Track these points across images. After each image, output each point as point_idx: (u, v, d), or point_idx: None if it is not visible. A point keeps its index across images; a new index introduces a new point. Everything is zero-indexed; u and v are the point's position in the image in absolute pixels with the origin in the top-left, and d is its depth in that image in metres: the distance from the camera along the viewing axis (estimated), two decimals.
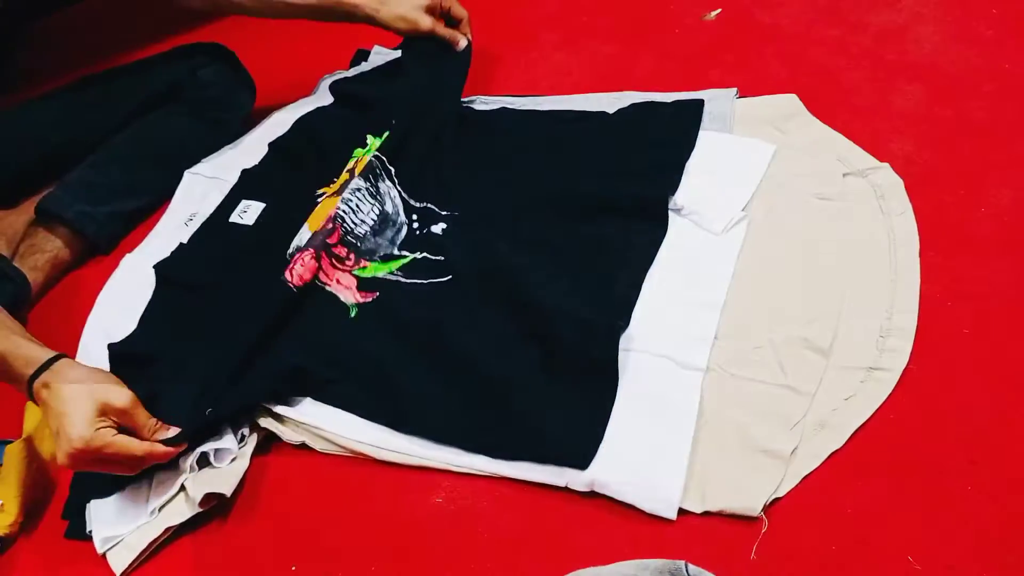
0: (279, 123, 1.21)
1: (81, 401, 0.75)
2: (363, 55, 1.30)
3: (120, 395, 0.78)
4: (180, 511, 0.81)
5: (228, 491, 0.80)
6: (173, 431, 0.80)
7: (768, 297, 0.82)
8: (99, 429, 0.75)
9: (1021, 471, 0.66)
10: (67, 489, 0.88)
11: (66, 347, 0.85)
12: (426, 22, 1.13)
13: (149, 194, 1.21)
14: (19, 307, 1.07)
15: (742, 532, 0.68)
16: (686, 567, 0.64)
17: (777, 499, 0.69)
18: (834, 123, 0.97)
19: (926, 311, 0.78)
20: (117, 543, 0.81)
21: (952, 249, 0.82)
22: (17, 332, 0.81)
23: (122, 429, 0.78)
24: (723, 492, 0.70)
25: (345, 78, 1.24)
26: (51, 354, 0.79)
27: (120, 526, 0.81)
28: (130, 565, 0.80)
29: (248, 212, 1.09)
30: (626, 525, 0.71)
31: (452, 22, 1.17)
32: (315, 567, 0.76)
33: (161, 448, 0.79)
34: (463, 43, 1.15)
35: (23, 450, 0.88)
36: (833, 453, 0.71)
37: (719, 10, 1.19)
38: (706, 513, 0.70)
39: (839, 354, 0.76)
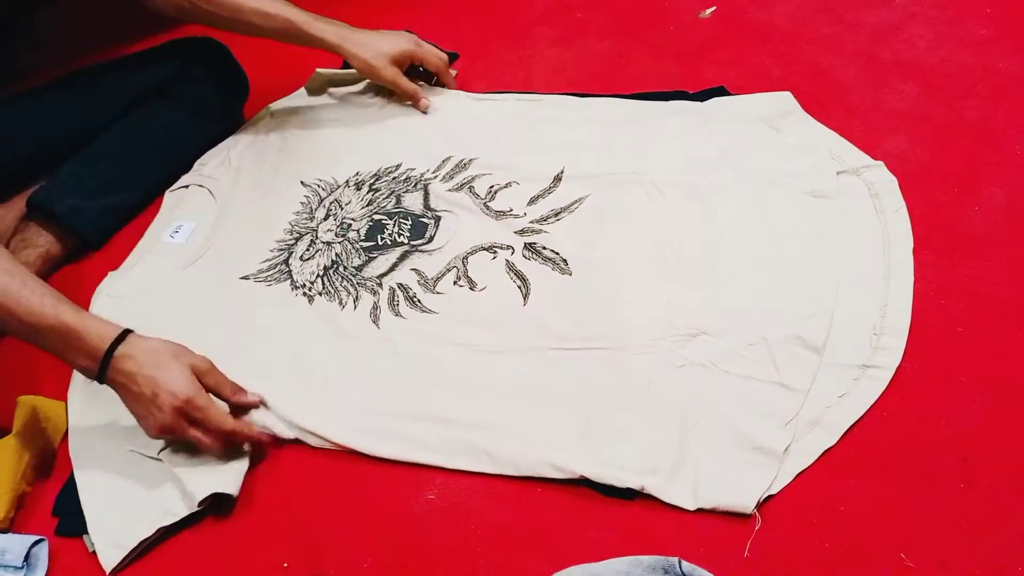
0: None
1: (173, 364, 0.78)
2: None
3: (200, 359, 0.81)
4: (174, 511, 0.80)
5: (235, 490, 0.80)
6: (252, 395, 0.84)
7: (762, 294, 0.82)
8: (199, 389, 0.78)
9: (1013, 468, 0.67)
10: (58, 486, 0.88)
11: None
12: (388, 73, 1.12)
13: (141, 189, 1.20)
14: None
15: (735, 529, 0.68)
16: (679, 563, 0.64)
17: (770, 496, 0.69)
18: (828, 121, 0.97)
19: (920, 309, 0.78)
20: (108, 542, 0.80)
21: (946, 247, 0.82)
22: (81, 309, 0.81)
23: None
24: (716, 489, 0.70)
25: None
26: (121, 328, 0.80)
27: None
28: (120, 563, 0.79)
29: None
30: (619, 521, 0.71)
31: (428, 73, 1.17)
32: (307, 564, 0.76)
33: (247, 431, 0.81)
34: (425, 103, 1.14)
35: (13, 446, 0.88)
36: (826, 451, 0.71)
37: (714, 8, 1.19)
38: (699, 510, 0.70)
39: (833, 352, 0.76)
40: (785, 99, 1.00)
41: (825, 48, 1.07)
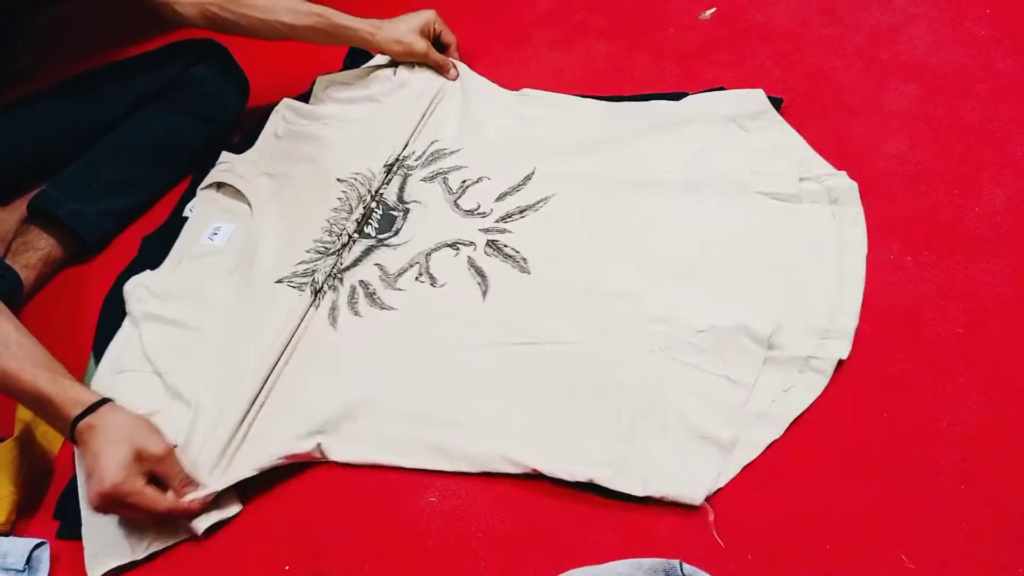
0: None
1: (119, 445, 0.77)
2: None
3: (157, 444, 0.79)
4: (167, 536, 0.81)
5: (237, 508, 0.81)
6: (203, 490, 0.80)
7: (716, 289, 0.83)
8: (131, 476, 0.76)
9: (1014, 469, 0.67)
10: (59, 490, 0.88)
11: (58, 344, 0.85)
12: (420, 46, 1.16)
13: (142, 192, 1.21)
14: (12, 305, 1.06)
15: (737, 532, 0.68)
16: (680, 566, 0.64)
17: (769, 497, 0.69)
18: (828, 122, 0.97)
19: (919, 310, 0.78)
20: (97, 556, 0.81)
21: (945, 248, 0.82)
22: (61, 373, 0.81)
23: (154, 478, 0.79)
24: (665, 478, 0.71)
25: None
26: (97, 398, 0.80)
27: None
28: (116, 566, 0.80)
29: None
30: (620, 524, 0.71)
31: (440, 46, 1.20)
32: (309, 567, 0.76)
33: (184, 505, 0.79)
34: (454, 72, 1.18)
35: (14, 449, 0.88)
36: (824, 452, 0.71)
37: (714, 9, 1.19)
38: (648, 499, 0.71)
39: (780, 347, 0.77)
40: (756, 97, 1.00)
41: (825, 49, 1.07)
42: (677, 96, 1.05)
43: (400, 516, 0.77)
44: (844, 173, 0.89)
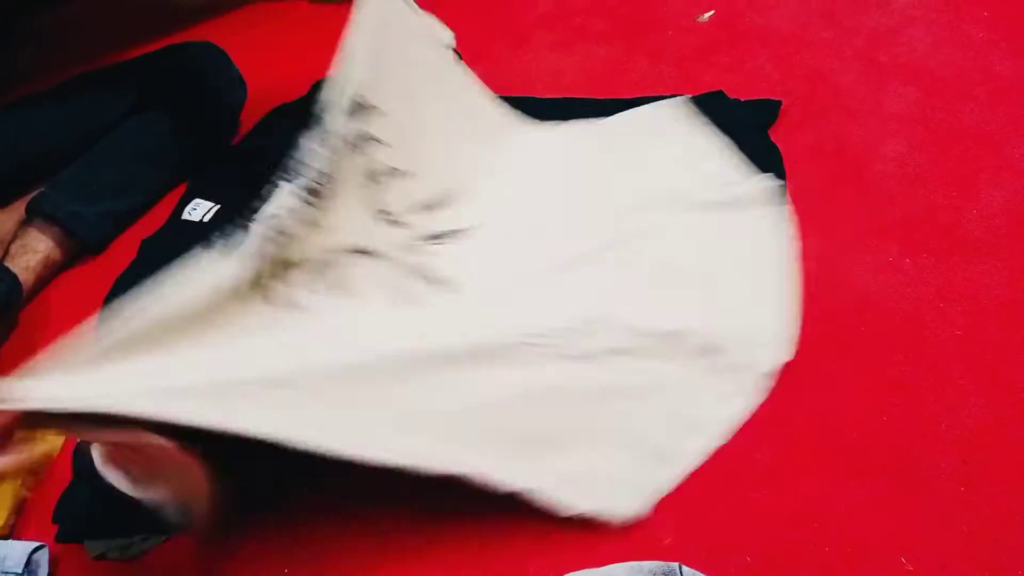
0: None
1: None
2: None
3: None
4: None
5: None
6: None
7: (655, 294, 0.84)
8: None
9: (1014, 471, 0.67)
10: (58, 493, 0.88)
11: None
12: None
13: (141, 193, 1.21)
14: (11, 308, 1.07)
15: (737, 534, 0.68)
16: (680, 569, 0.64)
17: (769, 501, 0.69)
18: (827, 124, 0.97)
19: (918, 313, 0.78)
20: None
21: (944, 251, 0.82)
22: None
23: None
24: (607, 490, 0.71)
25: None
26: None
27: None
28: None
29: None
30: (620, 527, 0.71)
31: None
32: (308, 570, 0.76)
33: None
34: None
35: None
36: (822, 454, 0.71)
37: (713, 12, 1.19)
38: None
39: (724, 354, 0.77)
40: (683, 104, 1.01)
41: (824, 52, 1.07)
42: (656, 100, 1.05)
43: (399, 519, 0.77)
44: (771, 174, 0.90)
